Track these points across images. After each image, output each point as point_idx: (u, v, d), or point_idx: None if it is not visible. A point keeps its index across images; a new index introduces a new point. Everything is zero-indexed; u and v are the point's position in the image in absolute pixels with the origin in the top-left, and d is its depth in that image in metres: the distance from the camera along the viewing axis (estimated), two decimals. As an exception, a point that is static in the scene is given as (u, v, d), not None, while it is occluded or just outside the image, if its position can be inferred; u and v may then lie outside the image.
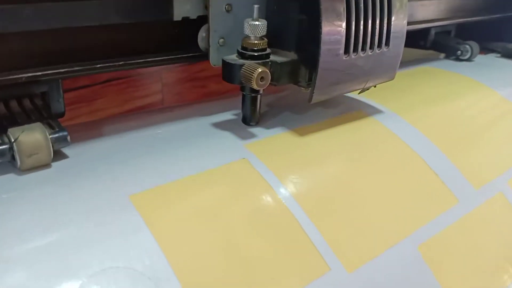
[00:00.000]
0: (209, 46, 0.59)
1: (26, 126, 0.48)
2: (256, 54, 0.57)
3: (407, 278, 0.55)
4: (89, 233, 0.43)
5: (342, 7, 0.55)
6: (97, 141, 0.57)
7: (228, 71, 0.57)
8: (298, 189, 0.54)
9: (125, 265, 0.41)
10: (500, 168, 0.74)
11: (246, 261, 0.46)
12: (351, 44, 0.57)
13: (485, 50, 1.14)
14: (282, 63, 0.58)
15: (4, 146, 0.47)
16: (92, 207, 0.45)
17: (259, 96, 0.61)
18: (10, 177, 0.48)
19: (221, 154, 0.56)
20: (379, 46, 0.60)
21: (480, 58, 1.06)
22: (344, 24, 0.55)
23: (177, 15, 0.58)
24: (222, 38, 0.59)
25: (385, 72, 0.63)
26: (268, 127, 0.62)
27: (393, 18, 0.60)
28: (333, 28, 0.54)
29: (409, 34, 0.92)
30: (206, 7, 0.58)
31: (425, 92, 0.84)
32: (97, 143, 0.57)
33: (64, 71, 0.53)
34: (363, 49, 0.58)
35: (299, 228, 0.51)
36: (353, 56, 0.57)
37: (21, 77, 0.50)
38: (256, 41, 0.56)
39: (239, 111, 0.64)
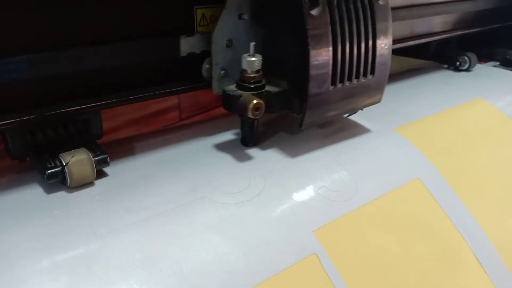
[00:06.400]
0: (211, 76, 0.67)
1: (74, 151, 0.58)
2: (252, 86, 0.64)
3: None
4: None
5: (328, 43, 0.61)
6: (130, 159, 0.66)
7: (228, 101, 0.65)
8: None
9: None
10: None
11: None
12: (337, 76, 0.63)
13: (484, 57, 1.19)
14: (276, 93, 0.65)
15: (57, 169, 0.56)
16: (128, 222, 0.54)
17: (256, 120, 0.68)
18: (61, 194, 0.57)
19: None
20: (364, 75, 0.66)
21: (478, 68, 1.12)
22: (330, 60, 0.62)
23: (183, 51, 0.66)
24: (224, 70, 0.67)
25: (371, 97, 0.70)
26: (264, 149, 0.69)
27: (377, 52, 0.66)
28: (320, 62, 0.61)
29: (411, 46, 0.99)
30: (209, 43, 0.65)
31: (477, 152, 0.82)
32: (131, 161, 0.65)
33: (104, 103, 0.62)
34: (349, 79, 0.65)
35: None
36: (339, 86, 0.64)
37: (69, 110, 0.60)
38: (252, 75, 0.64)
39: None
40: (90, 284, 0.47)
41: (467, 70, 1.10)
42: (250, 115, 0.61)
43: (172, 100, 1.46)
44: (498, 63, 1.18)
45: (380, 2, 0.65)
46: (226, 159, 0.66)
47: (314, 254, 0.57)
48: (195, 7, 0.66)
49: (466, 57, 1.10)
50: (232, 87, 0.65)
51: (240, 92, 0.64)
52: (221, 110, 0.76)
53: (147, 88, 0.66)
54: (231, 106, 0.64)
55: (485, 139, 0.86)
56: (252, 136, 0.69)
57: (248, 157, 0.67)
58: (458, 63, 1.10)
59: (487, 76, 1.09)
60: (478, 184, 0.77)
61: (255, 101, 0.61)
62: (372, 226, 0.63)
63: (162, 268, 0.50)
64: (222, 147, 0.69)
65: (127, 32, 0.62)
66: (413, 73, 1.09)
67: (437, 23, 1.05)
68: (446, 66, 1.14)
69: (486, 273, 0.67)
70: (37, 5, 0.54)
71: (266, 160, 0.67)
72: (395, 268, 0.62)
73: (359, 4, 0.63)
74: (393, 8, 0.91)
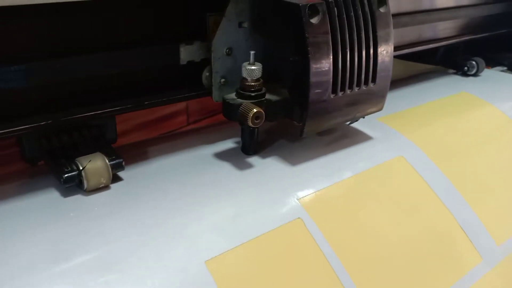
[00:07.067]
0: (212, 84, 0.66)
1: (90, 155, 0.58)
2: (252, 94, 0.63)
3: None
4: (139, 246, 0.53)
5: (328, 51, 0.61)
6: (144, 163, 0.67)
7: (228, 109, 0.64)
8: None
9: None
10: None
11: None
12: (338, 84, 0.63)
13: (492, 62, 1.19)
14: (276, 102, 0.64)
15: (73, 173, 0.57)
16: (144, 223, 0.55)
17: (256, 129, 0.67)
18: (78, 197, 0.58)
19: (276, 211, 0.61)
20: (366, 83, 0.65)
21: (486, 73, 1.12)
22: (331, 68, 0.61)
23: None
24: (224, 78, 0.66)
25: (373, 105, 0.69)
26: (265, 157, 0.69)
27: (378, 59, 0.65)
28: (320, 70, 0.60)
29: (419, 51, 0.99)
30: (209, 51, 0.65)
31: (463, 134, 0.87)
32: (145, 165, 0.66)
33: (119, 109, 0.64)
34: (350, 87, 0.64)
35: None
36: (340, 94, 0.63)
37: (86, 115, 0.61)
38: (252, 83, 0.63)
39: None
40: (105, 286, 0.48)
41: (475, 75, 1.10)
42: (250, 123, 0.61)
43: (180, 105, 1.46)
44: (505, 68, 1.18)
45: (381, 10, 0.64)
46: (226, 168, 0.66)
47: (299, 218, 0.60)
48: (207, 14, 0.65)
49: (474, 62, 1.09)
50: (232, 95, 0.65)
51: (240, 100, 0.63)
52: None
53: (159, 94, 0.67)
54: (231, 115, 0.64)
55: (459, 113, 0.92)
56: (253, 144, 0.68)
57: (248, 166, 0.66)
58: (466, 68, 1.10)
59: (494, 81, 1.09)
60: (455, 152, 0.82)
61: (255, 110, 0.61)
62: (356, 194, 0.67)
63: (173, 268, 0.51)
64: (223, 155, 0.69)
65: (125, 40, 0.63)
66: (420, 78, 1.09)
67: (444, 28, 1.05)
68: (453, 71, 1.13)
69: (470, 241, 0.70)
70: (46, 12, 0.55)
71: (266, 168, 0.66)
72: (377, 228, 0.65)
73: (359, 12, 0.62)
74: (401, 14, 0.92)
